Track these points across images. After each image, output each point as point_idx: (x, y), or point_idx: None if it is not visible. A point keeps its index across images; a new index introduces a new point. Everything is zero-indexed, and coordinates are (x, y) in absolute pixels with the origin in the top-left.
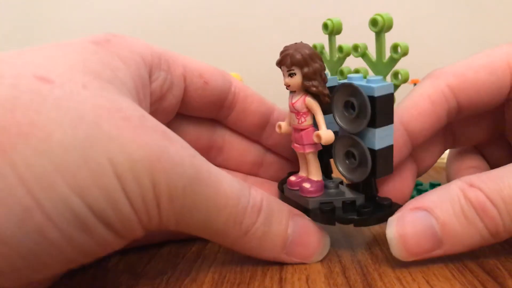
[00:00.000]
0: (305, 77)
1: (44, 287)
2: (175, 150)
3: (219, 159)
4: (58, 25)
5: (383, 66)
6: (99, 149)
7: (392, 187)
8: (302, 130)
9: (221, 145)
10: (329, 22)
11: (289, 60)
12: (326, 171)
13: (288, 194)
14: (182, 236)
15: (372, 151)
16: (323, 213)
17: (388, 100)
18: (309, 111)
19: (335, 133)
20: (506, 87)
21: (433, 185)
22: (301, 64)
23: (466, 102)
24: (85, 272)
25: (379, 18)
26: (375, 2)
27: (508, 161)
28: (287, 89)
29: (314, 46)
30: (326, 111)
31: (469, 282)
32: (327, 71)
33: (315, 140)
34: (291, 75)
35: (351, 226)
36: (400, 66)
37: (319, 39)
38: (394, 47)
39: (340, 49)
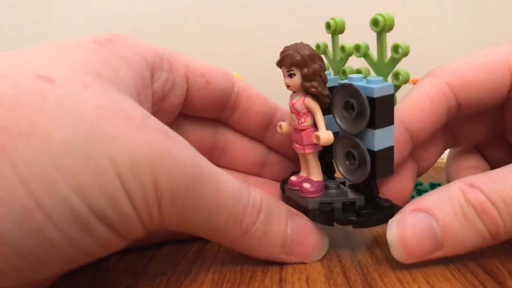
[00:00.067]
0: (305, 77)
1: (44, 287)
2: (177, 150)
3: (222, 160)
4: (58, 25)
5: (384, 66)
6: (100, 149)
7: (393, 187)
8: (302, 130)
9: (224, 145)
10: (331, 22)
11: (288, 60)
12: (329, 171)
13: (289, 194)
14: (182, 236)
15: (372, 152)
16: (322, 214)
17: (388, 101)
18: (309, 111)
19: (336, 133)
20: (505, 86)
21: (433, 185)
22: (300, 65)
23: (465, 101)
24: (85, 272)
25: (380, 18)
26: (377, 1)
27: (508, 161)
28: (288, 89)
29: (318, 46)
30: (327, 111)
31: (469, 282)
32: (330, 71)
33: (314, 140)
34: (290, 75)
35: (351, 226)
36: (400, 66)
37: (319, 39)
38: (395, 48)
39: (343, 49)
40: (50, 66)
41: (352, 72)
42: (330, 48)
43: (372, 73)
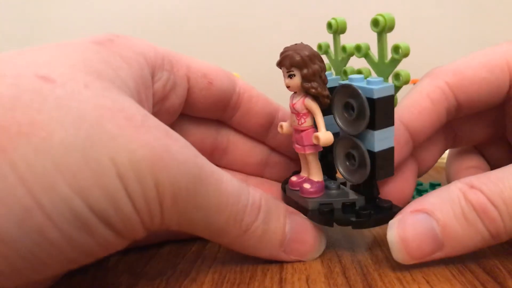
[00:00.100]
0: (304, 78)
1: (44, 287)
2: (178, 150)
3: (223, 160)
4: (58, 25)
5: (385, 66)
6: (100, 149)
7: (394, 188)
8: (302, 131)
9: (226, 146)
10: (333, 22)
11: (288, 61)
12: (330, 172)
13: (289, 194)
14: (182, 236)
15: (371, 153)
16: (321, 214)
17: (388, 102)
18: (309, 112)
19: (337, 134)
20: (505, 85)
21: (433, 185)
22: (300, 66)
23: (465, 100)
24: (85, 272)
25: (380, 19)
26: (377, 1)
27: (508, 162)
28: (288, 90)
29: (319, 46)
30: (327, 112)
31: (469, 282)
32: (332, 71)
33: (314, 141)
34: (290, 76)
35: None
36: (401, 66)
37: (319, 39)
38: (395, 48)
39: (344, 49)
40: (51, 66)
41: (354, 72)
42: (332, 48)
43: (373, 73)
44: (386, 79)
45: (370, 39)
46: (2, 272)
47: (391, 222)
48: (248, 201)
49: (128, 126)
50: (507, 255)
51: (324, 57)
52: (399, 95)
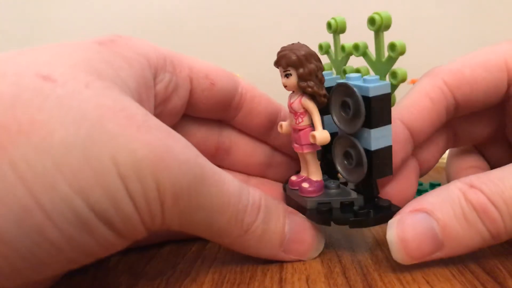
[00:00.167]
0: (300, 77)
1: (44, 287)
2: (180, 149)
3: (226, 160)
4: (58, 25)
5: (382, 65)
6: (101, 148)
7: (395, 188)
8: (300, 130)
9: (229, 146)
10: (332, 21)
11: (284, 61)
12: (331, 171)
13: (289, 194)
14: (182, 236)
15: (368, 151)
16: (319, 214)
17: (384, 100)
18: (307, 111)
19: (336, 133)
20: (503, 84)
21: (433, 185)
22: (296, 65)
23: (463, 99)
24: (85, 272)
25: (376, 17)
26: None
27: (508, 161)
28: (285, 89)
29: (320, 46)
30: (325, 111)
31: (469, 282)
32: (333, 70)
33: (311, 140)
34: (287, 75)
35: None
36: (401, 65)
37: (319, 39)
38: (391, 46)
39: (343, 48)
40: (52, 65)
41: (353, 71)
42: (332, 48)
43: (372, 72)
44: (383, 78)
45: (370, 38)
46: (2, 272)
47: (390, 222)
48: (249, 201)
49: (129, 126)
50: (507, 255)
51: (325, 57)
52: (398, 94)
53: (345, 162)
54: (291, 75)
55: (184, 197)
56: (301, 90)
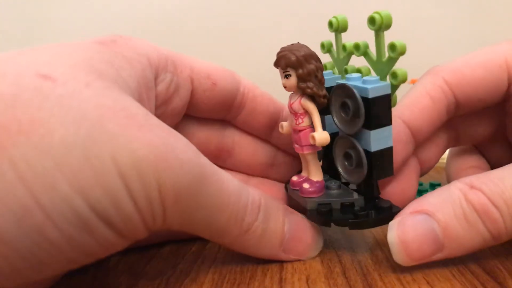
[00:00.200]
0: (300, 78)
1: (44, 287)
2: (181, 149)
3: (229, 160)
4: (58, 25)
5: (383, 65)
6: (102, 147)
7: (396, 188)
8: (300, 131)
9: (231, 147)
10: (333, 20)
11: (283, 61)
12: (334, 171)
13: (290, 194)
14: (182, 236)
15: (368, 153)
16: (319, 214)
17: (384, 101)
18: (307, 112)
19: (337, 133)
20: (503, 84)
21: (433, 185)
22: (295, 66)
23: (463, 98)
24: (85, 272)
25: (377, 16)
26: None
27: (508, 161)
28: (285, 90)
29: (322, 44)
30: (326, 111)
31: (469, 282)
32: (335, 69)
33: (311, 141)
34: (286, 76)
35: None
36: (401, 66)
37: (320, 39)
38: (392, 47)
39: (344, 47)
40: (52, 65)
41: (354, 71)
42: (334, 47)
43: (373, 72)
44: (384, 78)
45: (372, 38)
46: (2, 272)
47: (391, 223)
48: (249, 200)
49: (130, 125)
50: (507, 255)
51: (327, 56)
52: (398, 94)
53: (346, 163)
54: (290, 75)
55: (185, 196)
56: (301, 91)
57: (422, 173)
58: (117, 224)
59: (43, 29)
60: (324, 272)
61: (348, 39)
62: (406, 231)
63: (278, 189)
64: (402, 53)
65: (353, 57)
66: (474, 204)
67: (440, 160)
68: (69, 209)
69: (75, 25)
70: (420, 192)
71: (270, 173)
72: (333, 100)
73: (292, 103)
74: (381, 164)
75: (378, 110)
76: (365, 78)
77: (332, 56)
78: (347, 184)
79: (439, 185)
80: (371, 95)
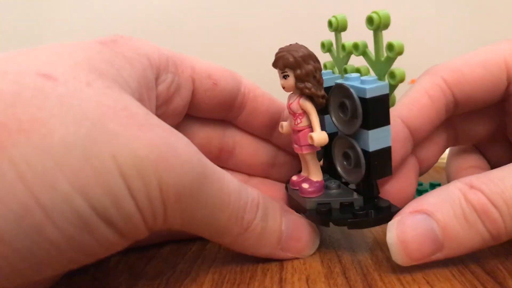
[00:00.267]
0: (298, 79)
1: (44, 287)
2: (182, 148)
3: (231, 160)
4: (58, 25)
5: (381, 65)
6: (102, 147)
7: (395, 187)
8: (299, 131)
9: (232, 146)
10: (333, 19)
11: (281, 62)
12: (334, 171)
13: (291, 193)
14: (182, 236)
15: (366, 153)
16: (318, 214)
17: (382, 101)
18: (305, 112)
19: (336, 133)
20: (502, 83)
21: (433, 185)
22: (293, 66)
23: (462, 97)
24: (85, 272)
25: (375, 16)
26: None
27: (508, 161)
28: (284, 90)
29: (322, 44)
30: (325, 111)
31: (469, 282)
32: (335, 69)
33: (309, 141)
34: (284, 77)
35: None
36: (400, 65)
37: (320, 38)
38: (389, 46)
39: (343, 47)
40: (53, 64)
41: (353, 71)
42: (334, 46)
43: (372, 72)
44: (382, 78)
45: (372, 37)
46: (2, 272)
47: (390, 223)
48: (248, 199)
49: (130, 125)
50: (507, 255)
51: (327, 55)
52: (398, 94)
53: (345, 162)
54: (288, 76)
55: (186, 195)
56: (299, 91)
57: (421, 173)
58: (118, 223)
59: (43, 29)
60: (324, 272)
61: (348, 38)
62: (405, 231)
63: (278, 189)
64: (400, 53)
65: (354, 56)
66: (473, 204)
67: (440, 160)
68: (70, 209)
69: (75, 25)
70: (420, 192)
71: (271, 173)
72: (332, 100)
73: (291, 103)
74: (379, 164)
75: (376, 110)
76: (363, 78)
77: (332, 55)
78: (347, 183)
79: (439, 185)
80: (368, 95)
